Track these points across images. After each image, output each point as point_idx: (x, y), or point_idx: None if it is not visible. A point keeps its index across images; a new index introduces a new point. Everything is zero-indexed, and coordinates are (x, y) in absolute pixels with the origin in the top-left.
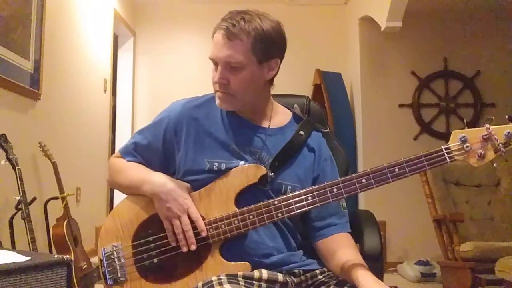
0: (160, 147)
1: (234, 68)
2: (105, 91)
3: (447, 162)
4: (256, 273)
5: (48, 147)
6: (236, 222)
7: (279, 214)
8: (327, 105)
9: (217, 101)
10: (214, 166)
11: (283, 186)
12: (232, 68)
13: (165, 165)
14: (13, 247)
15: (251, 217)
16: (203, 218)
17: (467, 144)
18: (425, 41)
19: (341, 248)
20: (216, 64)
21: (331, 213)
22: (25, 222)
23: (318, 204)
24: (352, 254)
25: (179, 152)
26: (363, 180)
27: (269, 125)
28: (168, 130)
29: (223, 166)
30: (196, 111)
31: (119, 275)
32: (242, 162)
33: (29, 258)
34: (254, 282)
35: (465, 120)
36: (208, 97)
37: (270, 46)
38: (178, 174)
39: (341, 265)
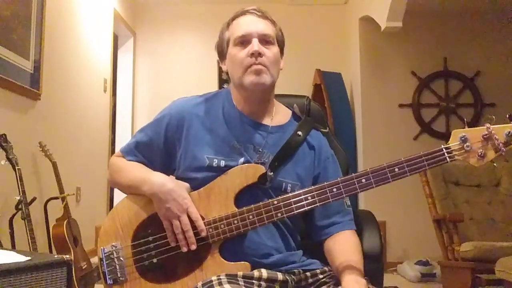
0: (162, 144)
1: (268, 42)
2: (105, 91)
3: (447, 162)
4: (255, 273)
5: (48, 147)
6: (235, 222)
7: (279, 214)
8: (327, 105)
9: (252, 77)
10: (214, 163)
11: (283, 184)
12: (266, 42)
13: (166, 162)
14: (13, 247)
15: (250, 217)
16: (203, 218)
17: (468, 144)
18: (425, 41)
19: (342, 248)
20: (244, 42)
21: (335, 211)
22: (25, 222)
23: (318, 204)
24: (351, 254)
25: (180, 149)
26: (363, 180)
27: (271, 122)
28: (170, 127)
29: (222, 163)
30: (198, 108)
31: (118, 275)
32: (242, 159)
33: (29, 258)
34: (254, 281)
35: (465, 120)
36: (209, 95)
37: (283, 40)
38: (178, 171)
39: (337, 265)
